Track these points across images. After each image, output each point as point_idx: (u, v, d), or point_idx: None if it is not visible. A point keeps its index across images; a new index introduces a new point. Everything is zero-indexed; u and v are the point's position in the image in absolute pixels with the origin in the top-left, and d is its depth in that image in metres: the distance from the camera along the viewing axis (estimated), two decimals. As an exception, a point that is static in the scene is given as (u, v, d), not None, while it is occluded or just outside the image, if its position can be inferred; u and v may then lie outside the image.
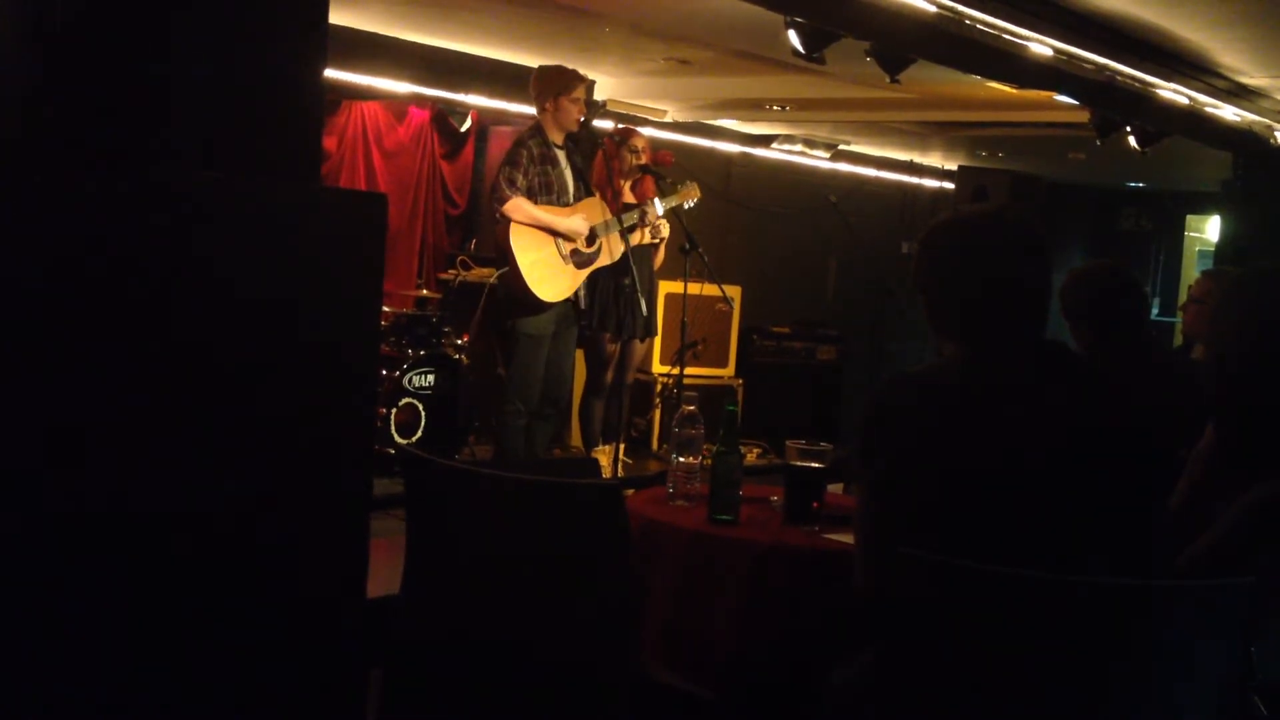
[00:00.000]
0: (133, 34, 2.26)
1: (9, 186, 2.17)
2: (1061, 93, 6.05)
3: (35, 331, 2.14)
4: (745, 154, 9.47)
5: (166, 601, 2.21)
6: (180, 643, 2.23)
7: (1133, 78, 5.99)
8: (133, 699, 2.20)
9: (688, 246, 5.95)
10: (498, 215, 5.59)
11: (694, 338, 6.97)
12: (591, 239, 5.78)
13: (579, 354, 6.38)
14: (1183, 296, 7.69)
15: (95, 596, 2.16)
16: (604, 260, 5.85)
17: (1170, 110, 6.55)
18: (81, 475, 2.14)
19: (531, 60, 6.30)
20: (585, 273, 5.80)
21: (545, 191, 5.64)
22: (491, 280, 5.71)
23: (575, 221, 5.69)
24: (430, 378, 6.28)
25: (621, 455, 6.24)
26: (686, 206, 6.24)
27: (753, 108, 8.25)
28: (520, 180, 5.53)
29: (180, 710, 2.25)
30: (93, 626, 2.16)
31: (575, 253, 5.73)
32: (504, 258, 5.59)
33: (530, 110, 5.90)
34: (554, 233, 5.63)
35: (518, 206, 5.51)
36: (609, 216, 5.82)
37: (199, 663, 2.27)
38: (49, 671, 2.14)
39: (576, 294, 5.80)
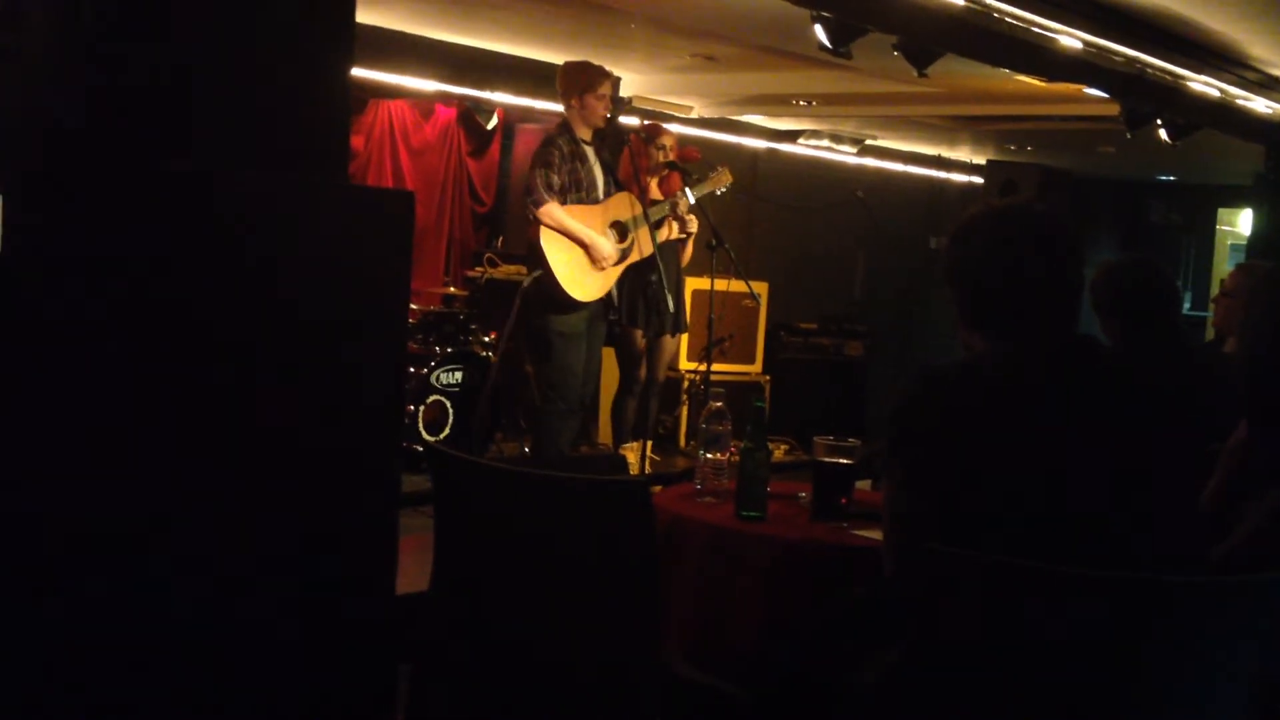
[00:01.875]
0: (160, 33, 2.27)
1: (38, 184, 2.19)
2: (1091, 86, 6.01)
3: (64, 329, 2.15)
4: (772, 149, 9.45)
5: (195, 599, 2.23)
6: (210, 640, 2.25)
7: (1163, 70, 5.94)
8: (160, 695, 2.21)
9: (715, 243, 5.95)
10: (531, 217, 5.59)
11: (721, 334, 6.96)
12: (623, 235, 5.78)
13: (611, 353, 6.38)
14: (1214, 290, 7.64)
15: (122, 593, 2.17)
16: (635, 256, 5.85)
17: (1201, 102, 6.49)
18: (109, 473, 2.15)
19: (558, 57, 6.30)
20: (618, 270, 5.80)
21: (575, 189, 5.64)
22: (525, 284, 5.70)
23: (605, 245, 5.67)
24: (458, 375, 6.30)
25: (649, 452, 6.24)
26: (719, 192, 6.23)
27: (779, 103, 8.23)
28: (555, 181, 5.53)
29: (211, 705, 2.27)
30: (122, 621, 2.17)
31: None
32: (536, 258, 5.59)
33: (556, 107, 5.90)
34: (582, 245, 5.62)
35: (549, 213, 5.51)
36: (639, 211, 5.81)
37: (229, 659, 2.28)
38: (80, 667, 2.15)
39: (610, 291, 5.81)
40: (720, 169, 6.25)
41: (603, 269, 5.68)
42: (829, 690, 2.52)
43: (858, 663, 2.42)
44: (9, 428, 2.19)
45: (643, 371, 6.30)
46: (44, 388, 2.18)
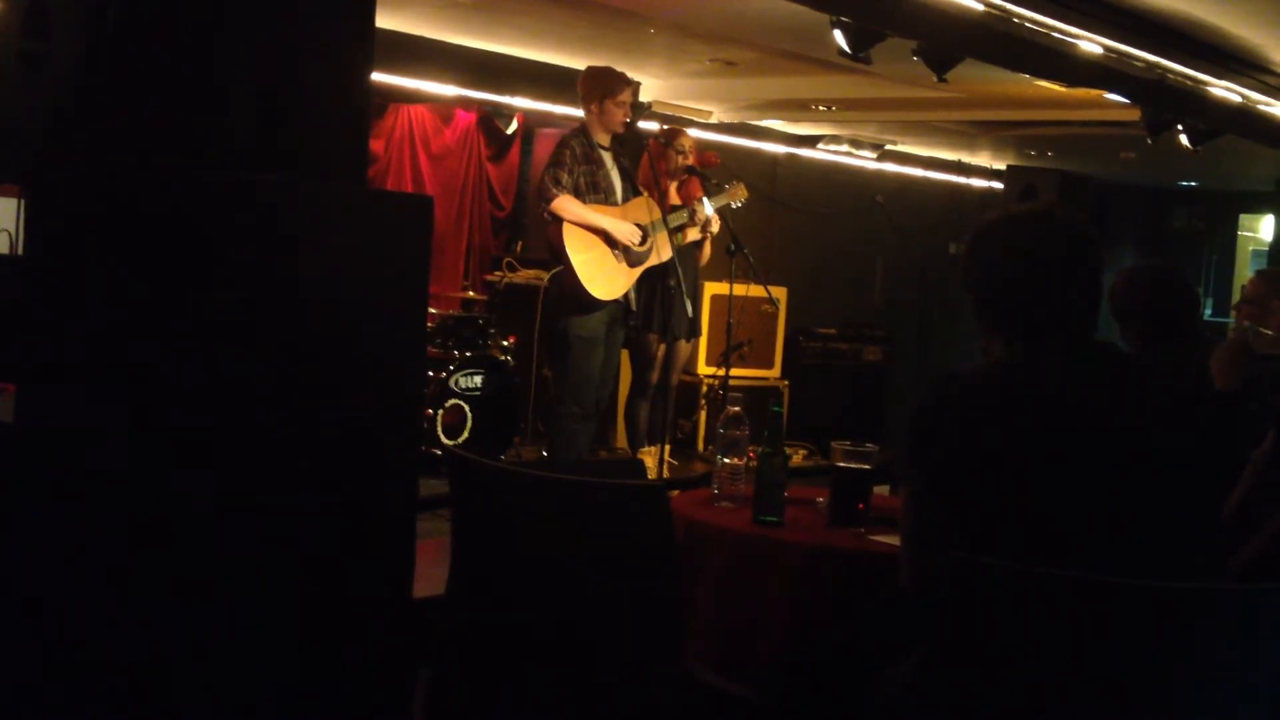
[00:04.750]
0: (182, 37, 2.29)
1: (63, 191, 2.21)
2: (1111, 91, 6.00)
3: (83, 330, 2.17)
4: (791, 154, 9.44)
5: (210, 599, 2.24)
6: (228, 643, 2.25)
7: (1184, 75, 5.92)
8: (174, 696, 2.22)
9: (733, 248, 5.94)
10: (545, 214, 5.60)
11: (740, 339, 6.95)
12: (644, 238, 5.79)
13: (624, 355, 6.38)
14: (1236, 297, 7.64)
15: (138, 598, 2.18)
16: (654, 260, 5.86)
17: (1222, 108, 6.47)
18: (124, 473, 2.16)
19: (577, 62, 6.31)
20: (638, 271, 5.80)
21: (593, 190, 5.65)
22: (544, 282, 5.71)
23: (627, 228, 5.69)
24: (477, 379, 6.31)
25: (667, 456, 6.24)
26: (735, 206, 6.23)
27: (798, 108, 8.23)
28: (565, 178, 5.54)
29: (227, 710, 2.27)
30: (134, 620, 2.18)
31: (628, 251, 5.74)
32: (556, 257, 5.60)
33: (576, 112, 5.91)
34: (605, 235, 5.63)
35: (564, 205, 5.52)
36: (657, 216, 5.82)
37: (247, 662, 2.28)
38: (98, 668, 2.17)
39: (627, 294, 5.81)
40: (736, 184, 6.24)
41: (625, 256, 5.67)
42: (849, 697, 2.51)
43: (878, 669, 2.42)
44: (31, 424, 2.21)
45: (655, 375, 6.30)
46: (60, 385, 2.20)
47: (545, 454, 6.61)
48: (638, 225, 5.76)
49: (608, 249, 5.66)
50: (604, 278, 5.63)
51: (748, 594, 2.79)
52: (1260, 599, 1.89)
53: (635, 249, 5.74)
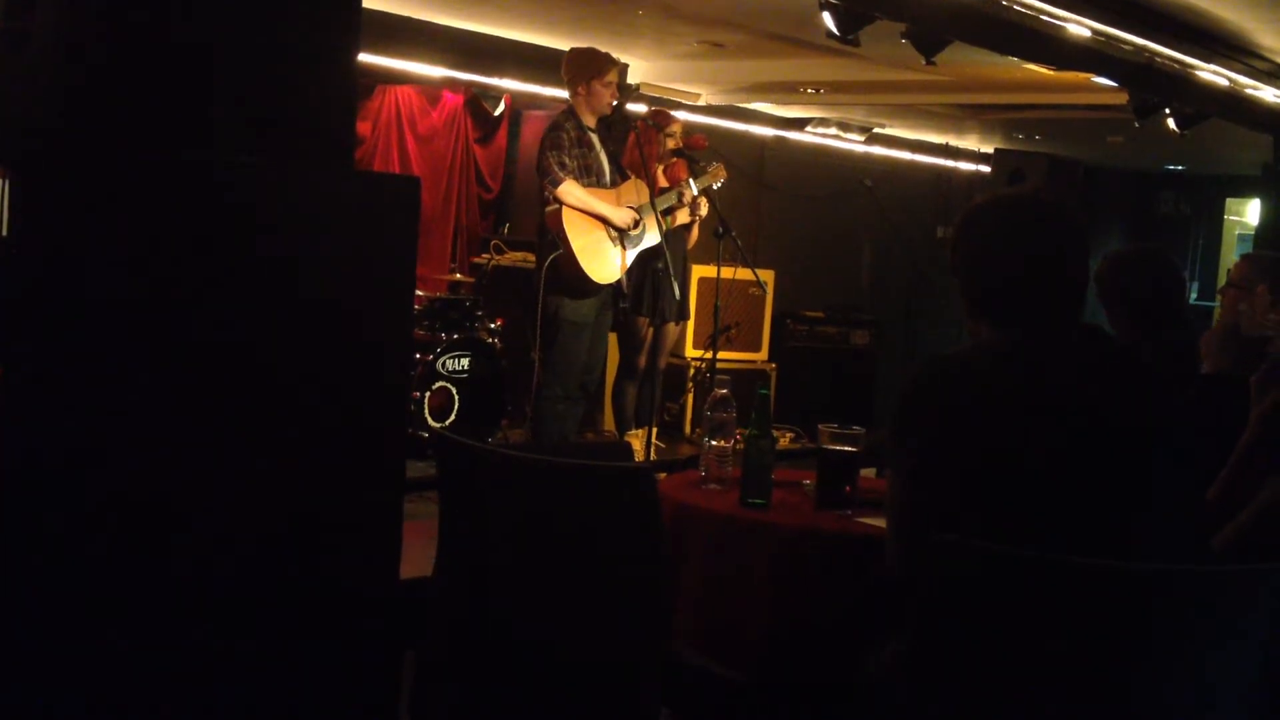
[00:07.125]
0: (165, 19, 2.27)
1: (47, 173, 2.19)
2: (1099, 74, 5.99)
3: (68, 313, 2.16)
4: (779, 137, 9.43)
5: (198, 583, 2.23)
6: (215, 625, 2.25)
7: (1171, 59, 5.92)
8: (164, 681, 2.22)
9: (721, 230, 5.94)
10: (549, 197, 5.59)
11: (727, 322, 6.95)
12: (638, 222, 5.79)
13: (612, 337, 6.39)
14: (1221, 281, 7.67)
15: (125, 583, 2.18)
16: (648, 242, 5.87)
17: (1210, 92, 6.47)
18: (113, 457, 2.16)
19: (565, 44, 6.29)
20: (632, 254, 5.81)
21: (584, 174, 5.64)
22: (543, 266, 5.69)
23: (625, 214, 5.70)
24: (464, 361, 6.30)
25: (654, 439, 6.24)
26: (715, 186, 6.24)
27: (787, 91, 8.21)
28: (568, 161, 5.54)
29: (215, 690, 2.27)
30: (126, 610, 2.18)
31: (623, 233, 5.74)
32: (552, 240, 5.59)
33: (563, 94, 5.90)
34: (604, 221, 5.64)
35: (569, 190, 5.52)
36: (646, 199, 5.82)
37: (234, 645, 2.28)
38: (84, 651, 2.17)
39: (620, 278, 5.81)
40: (716, 165, 6.24)
41: (621, 239, 5.68)
42: (836, 679, 2.52)
43: (864, 652, 2.43)
44: (17, 409, 2.20)
45: (643, 359, 6.30)
46: (46, 372, 2.19)
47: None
48: (631, 208, 5.76)
49: (605, 232, 5.66)
50: (602, 260, 5.64)
51: (734, 576, 2.80)
52: (1243, 581, 1.90)
53: (631, 233, 5.75)
